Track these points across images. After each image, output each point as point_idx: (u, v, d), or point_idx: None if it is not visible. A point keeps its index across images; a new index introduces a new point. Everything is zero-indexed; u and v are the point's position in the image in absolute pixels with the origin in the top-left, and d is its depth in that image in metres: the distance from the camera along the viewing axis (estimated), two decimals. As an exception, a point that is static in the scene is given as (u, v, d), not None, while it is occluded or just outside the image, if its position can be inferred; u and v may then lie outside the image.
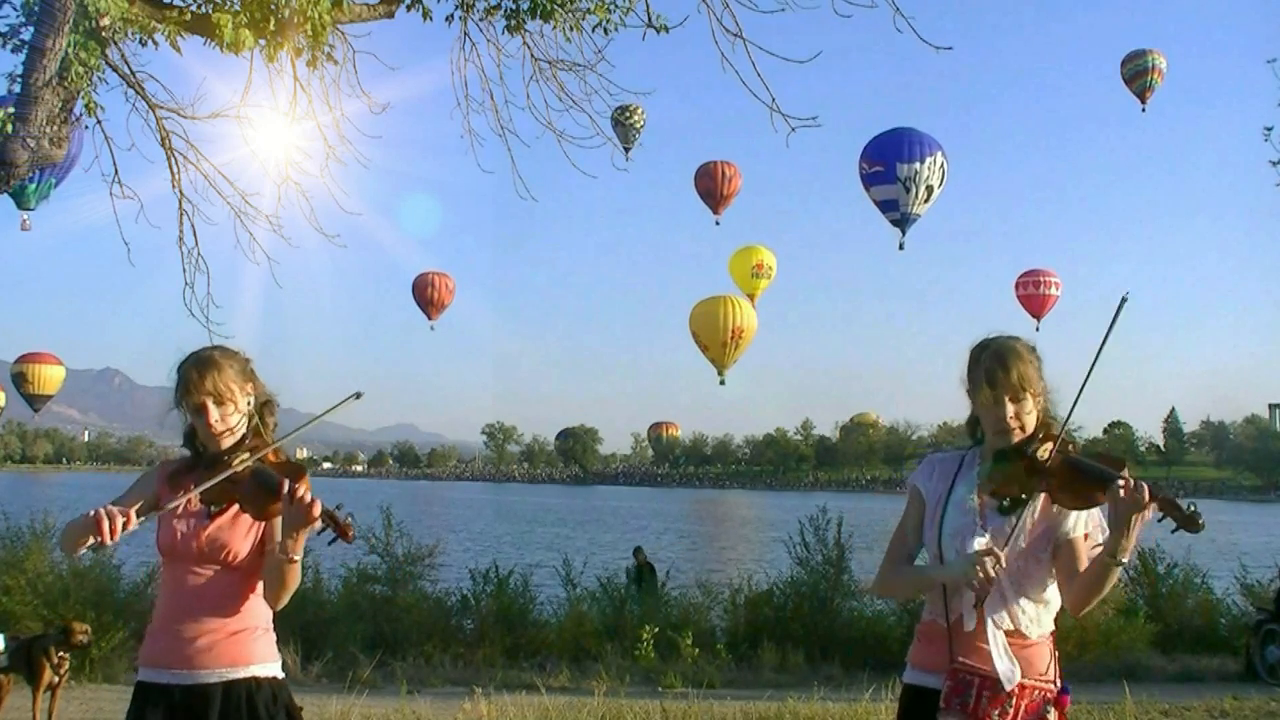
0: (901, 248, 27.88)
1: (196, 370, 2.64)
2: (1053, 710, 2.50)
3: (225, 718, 2.58)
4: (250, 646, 2.65)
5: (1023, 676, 2.50)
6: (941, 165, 27.24)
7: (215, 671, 2.60)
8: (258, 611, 2.69)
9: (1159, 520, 2.35)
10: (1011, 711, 2.47)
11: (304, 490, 2.48)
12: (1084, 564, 2.54)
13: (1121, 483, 2.34)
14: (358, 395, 2.82)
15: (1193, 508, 2.31)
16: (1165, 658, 10.04)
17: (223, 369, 2.65)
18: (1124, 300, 2.53)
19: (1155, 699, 7.81)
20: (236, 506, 2.62)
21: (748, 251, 40.51)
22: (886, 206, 27.35)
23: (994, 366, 2.55)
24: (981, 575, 2.41)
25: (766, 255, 40.64)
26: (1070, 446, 2.55)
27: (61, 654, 6.27)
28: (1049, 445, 2.52)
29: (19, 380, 50.59)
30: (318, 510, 2.47)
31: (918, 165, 26.75)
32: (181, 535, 2.61)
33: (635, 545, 14.68)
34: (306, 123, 6.35)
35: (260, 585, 2.70)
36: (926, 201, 27.22)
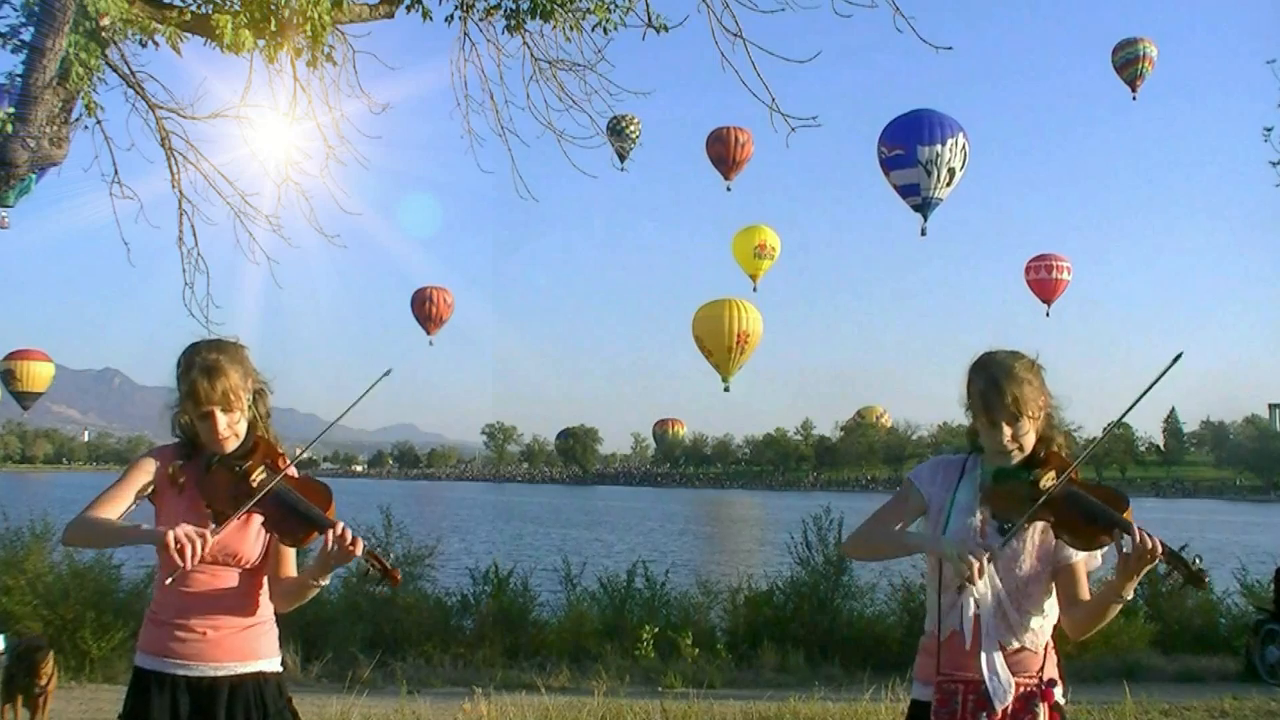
0: (924, 233, 27.41)
1: (207, 380, 2.59)
2: (1041, 704, 2.51)
3: (233, 711, 2.59)
4: (258, 642, 2.67)
5: (1014, 677, 2.52)
6: (963, 147, 26.68)
7: (225, 665, 2.60)
8: (264, 607, 2.71)
9: (1164, 575, 2.37)
10: (999, 713, 2.49)
11: (349, 534, 2.50)
12: (1084, 589, 2.57)
13: (1134, 537, 2.35)
14: (387, 372, 2.82)
15: (1198, 562, 2.34)
16: (1165, 658, 10.05)
17: (230, 375, 2.63)
18: (1178, 357, 2.53)
19: (1155, 699, 7.80)
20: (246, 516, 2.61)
21: (750, 231, 40.39)
22: (907, 191, 26.81)
23: (989, 391, 2.54)
24: (967, 568, 2.40)
25: (770, 235, 40.49)
26: (1073, 476, 2.53)
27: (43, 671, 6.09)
28: (1051, 474, 2.51)
29: (8, 377, 50.47)
30: (359, 551, 2.50)
31: (939, 147, 26.25)
32: None
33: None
34: (306, 123, 6.35)
35: (265, 581, 2.71)
36: (949, 185, 26.69)
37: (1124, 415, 2.69)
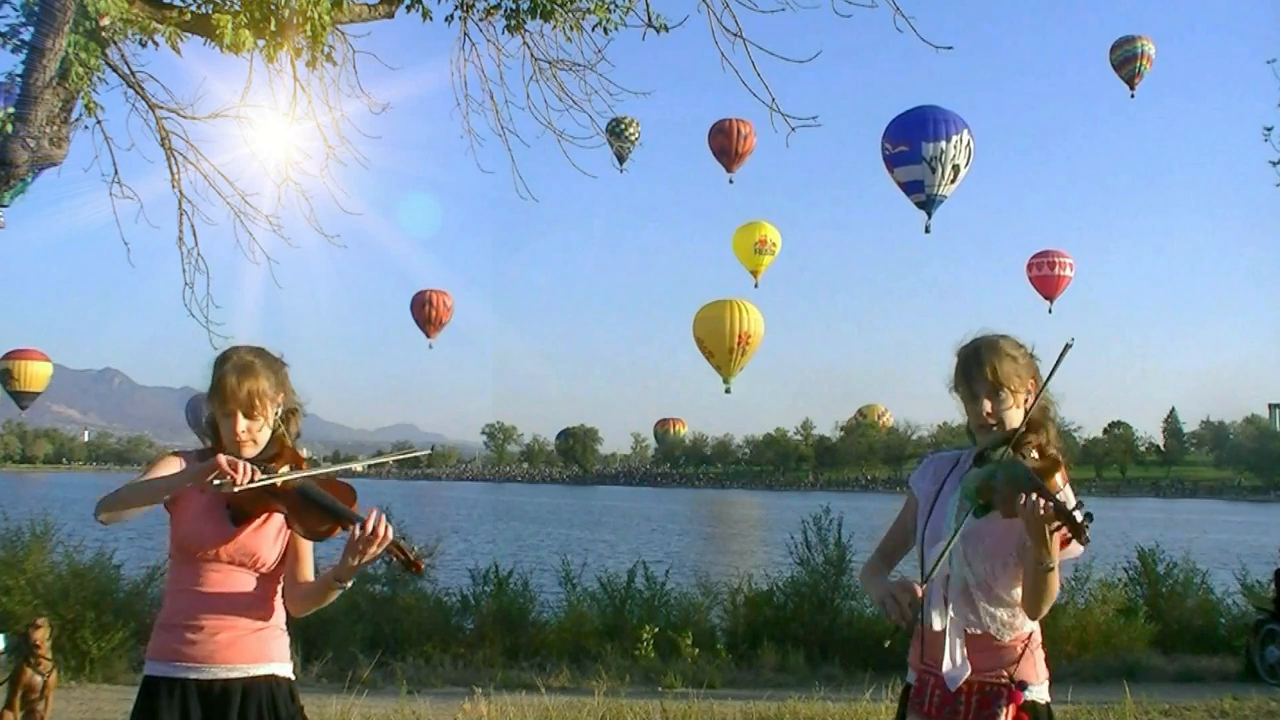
0: (928, 230, 27.15)
1: (236, 377, 2.59)
2: (1006, 705, 2.44)
3: (246, 714, 2.56)
4: (271, 645, 2.65)
5: (978, 673, 2.47)
6: (968, 144, 26.44)
7: (238, 667, 2.58)
8: (277, 611, 2.69)
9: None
10: (963, 709, 2.46)
11: (371, 522, 2.46)
12: None
13: (1026, 499, 2.29)
14: (432, 448, 2.84)
15: (1087, 522, 2.25)
16: (1165, 658, 10.04)
17: (260, 380, 2.62)
18: (1067, 347, 2.45)
19: (1155, 699, 7.81)
20: (265, 515, 2.59)
21: (751, 227, 40.35)
22: (911, 188, 26.56)
23: (969, 362, 2.54)
24: (892, 610, 2.40)
25: (770, 231, 40.44)
26: (1047, 450, 2.47)
27: (39, 657, 6.09)
28: (1006, 450, 2.45)
29: (5, 377, 50.27)
30: (390, 537, 2.46)
31: (944, 144, 26.02)
32: (208, 540, 2.57)
33: None
34: (306, 123, 6.35)
35: (279, 589, 2.69)
36: (953, 182, 26.42)
37: (1035, 398, 2.55)
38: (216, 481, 2.40)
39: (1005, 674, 2.47)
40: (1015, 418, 2.51)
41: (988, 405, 2.50)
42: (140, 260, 6.89)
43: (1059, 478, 2.36)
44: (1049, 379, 2.47)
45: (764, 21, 6.02)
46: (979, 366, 2.51)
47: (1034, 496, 2.28)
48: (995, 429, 2.51)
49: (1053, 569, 2.35)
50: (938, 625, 2.50)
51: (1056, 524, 2.27)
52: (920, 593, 2.41)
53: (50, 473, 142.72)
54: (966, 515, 2.44)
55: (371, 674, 8.39)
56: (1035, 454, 2.48)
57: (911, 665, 2.65)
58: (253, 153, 6.50)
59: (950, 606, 2.50)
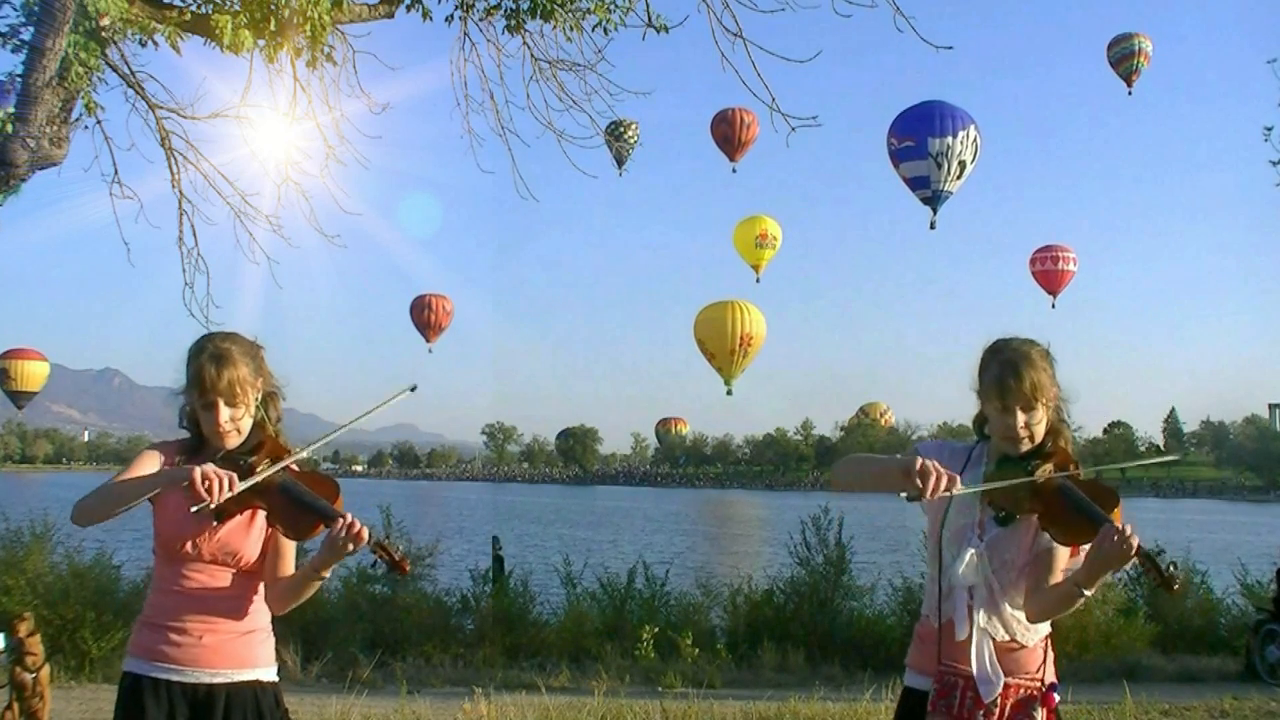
0: (933, 226, 26.93)
1: (214, 367, 2.53)
2: (1040, 709, 2.48)
3: (229, 718, 2.54)
4: (256, 649, 2.62)
5: (1009, 676, 2.49)
6: (975, 140, 26.21)
7: (221, 672, 2.55)
8: (262, 614, 2.65)
9: (1138, 575, 2.34)
10: (996, 712, 2.46)
11: (357, 523, 2.43)
12: (1057, 577, 2.50)
13: (1113, 531, 2.29)
14: (412, 388, 2.75)
15: (1171, 568, 2.30)
16: (1165, 658, 10.04)
17: (239, 367, 2.56)
18: (1179, 454, 2.50)
19: (1155, 699, 7.80)
20: (250, 511, 2.56)
21: (751, 222, 40.29)
22: (916, 184, 26.33)
23: (1005, 375, 2.49)
24: (925, 480, 2.30)
25: (771, 225, 40.34)
26: (1071, 466, 2.49)
27: (23, 653, 6.05)
28: (1050, 467, 2.47)
29: (2, 377, 50.03)
30: (366, 539, 2.43)
31: (950, 139, 25.76)
32: (190, 537, 2.53)
33: (493, 536, 15.10)
34: (306, 123, 6.36)
35: (262, 587, 2.65)
36: (959, 178, 26.18)
37: (1132, 465, 2.65)
38: (194, 508, 2.36)
39: (1038, 678, 2.51)
40: (1042, 429, 2.53)
41: (1022, 419, 2.49)
42: (140, 260, 6.86)
43: (1117, 513, 2.37)
44: (1136, 465, 2.48)
45: (764, 21, 6.02)
46: (1018, 382, 2.47)
47: (1126, 534, 2.28)
48: (1026, 441, 2.52)
49: (1088, 594, 2.39)
50: (963, 634, 2.50)
51: (1146, 568, 2.29)
52: (959, 482, 2.34)
53: (50, 473, 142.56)
54: (1020, 520, 2.46)
55: (371, 674, 8.39)
56: (1071, 468, 2.50)
57: (916, 666, 2.62)
58: (253, 153, 6.51)
59: (976, 615, 2.50)
